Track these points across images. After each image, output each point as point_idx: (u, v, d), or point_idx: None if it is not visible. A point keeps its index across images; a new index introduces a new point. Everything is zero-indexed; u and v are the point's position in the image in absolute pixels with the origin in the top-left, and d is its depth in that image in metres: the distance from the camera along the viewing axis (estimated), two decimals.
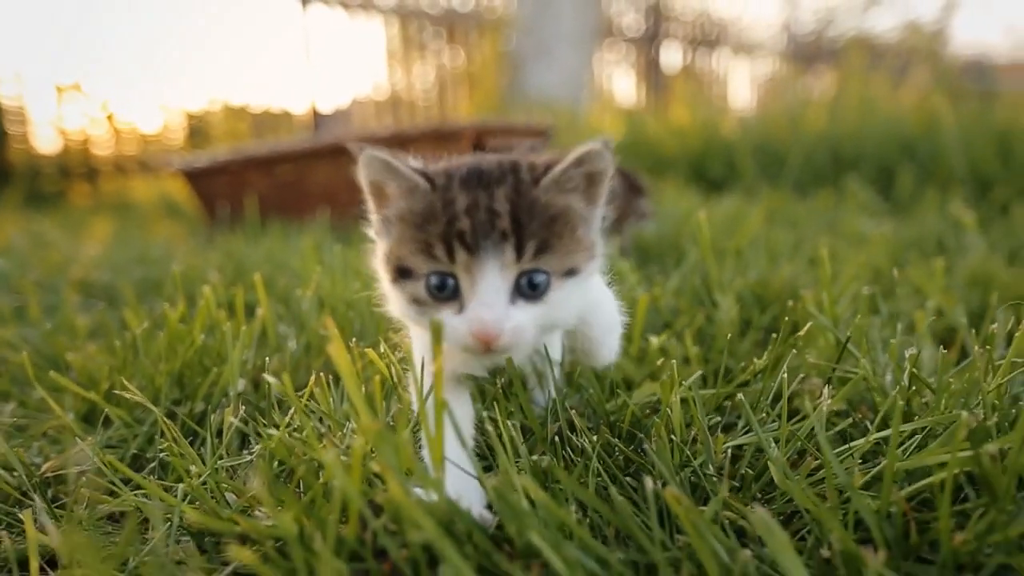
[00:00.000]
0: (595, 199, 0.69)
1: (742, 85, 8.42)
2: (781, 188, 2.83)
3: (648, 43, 7.71)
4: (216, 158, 3.03)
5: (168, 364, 0.96)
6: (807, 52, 8.33)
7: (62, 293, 1.46)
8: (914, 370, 0.78)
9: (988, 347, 0.77)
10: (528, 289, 0.63)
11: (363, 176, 0.68)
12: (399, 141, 2.77)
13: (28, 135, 6.72)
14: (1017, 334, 0.74)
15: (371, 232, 0.72)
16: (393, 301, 0.69)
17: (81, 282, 1.58)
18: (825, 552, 0.59)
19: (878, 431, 0.72)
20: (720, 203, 2.42)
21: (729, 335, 1.00)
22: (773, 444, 0.71)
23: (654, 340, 0.99)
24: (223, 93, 7.36)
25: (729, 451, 0.74)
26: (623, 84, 7.84)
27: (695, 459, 0.73)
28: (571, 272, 0.66)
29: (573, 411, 0.78)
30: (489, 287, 0.62)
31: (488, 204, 0.62)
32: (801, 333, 0.86)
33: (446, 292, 0.63)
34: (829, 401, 0.74)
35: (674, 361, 0.78)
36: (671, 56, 7.89)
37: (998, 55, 7.88)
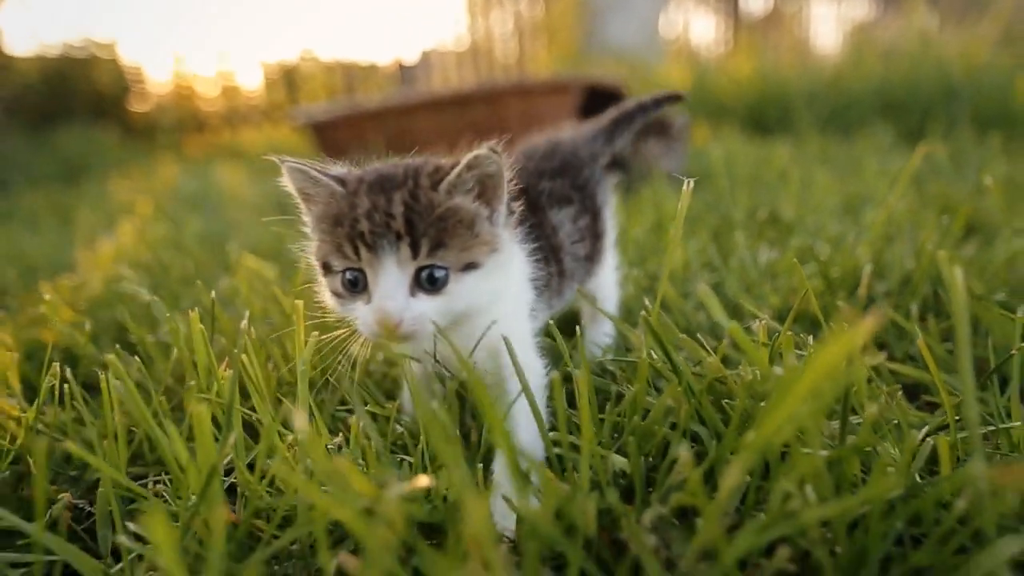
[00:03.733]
0: (492, 198, 0.73)
1: (828, 29, 8.45)
2: (830, 132, 3.24)
3: None
4: (334, 111, 3.68)
5: None
6: None
7: (264, 211, 2.12)
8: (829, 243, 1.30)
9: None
10: (428, 283, 0.69)
11: (290, 185, 0.75)
12: (485, 96, 3.34)
13: (146, 92, 7.64)
14: (883, 213, 1.26)
15: (307, 230, 0.78)
16: (324, 293, 0.76)
17: (260, 205, 2.25)
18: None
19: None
20: (764, 145, 2.88)
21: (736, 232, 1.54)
22: (730, 280, 1.26)
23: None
24: (313, 48, 8.01)
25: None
26: (703, 30, 8.06)
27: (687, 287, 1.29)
28: (471, 266, 0.71)
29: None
30: (389, 281, 0.68)
31: (385, 207, 0.69)
32: (762, 219, 1.39)
33: (358, 287, 0.70)
34: (770, 254, 1.28)
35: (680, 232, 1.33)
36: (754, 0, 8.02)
37: None
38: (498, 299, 0.75)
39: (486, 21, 7.73)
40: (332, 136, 3.54)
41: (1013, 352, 0.72)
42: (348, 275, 0.71)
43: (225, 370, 0.72)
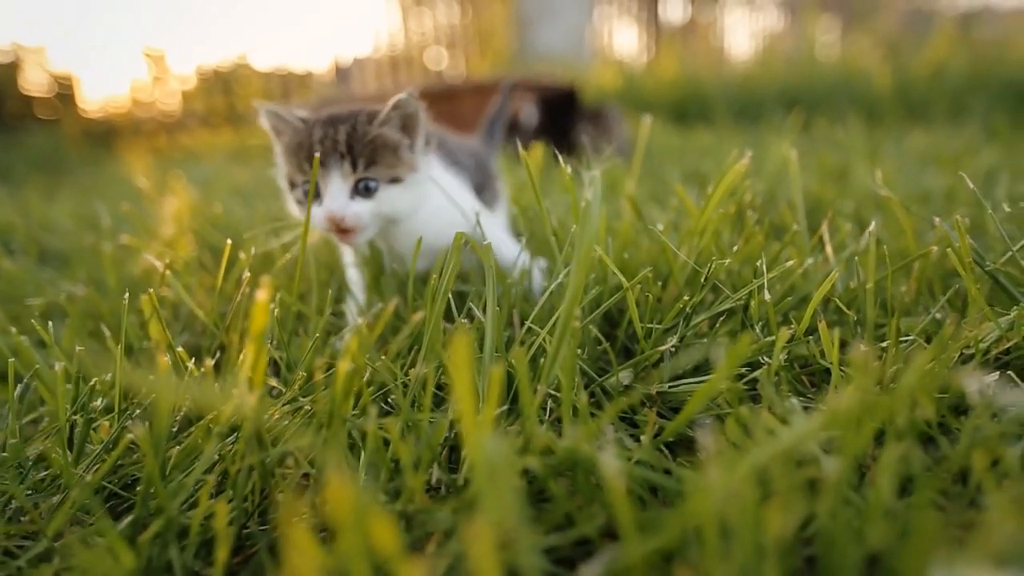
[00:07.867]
0: (411, 131, 0.97)
1: (741, 37, 9.31)
2: (742, 123, 3.89)
3: None
4: (302, 106, 4.08)
5: None
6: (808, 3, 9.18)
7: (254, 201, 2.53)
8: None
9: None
10: (364, 191, 0.93)
11: (265, 123, 0.98)
12: (444, 93, 3.84)
13: (77, 98, 7.70)
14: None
15: (277, 159, 1.01)
16: (288, 204, 1.01)
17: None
18: None
19: None
20: (688, 134, 3.49)
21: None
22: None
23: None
24: (248, 54, 8.26)
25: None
26: (625, 38, 8.77)
27: None
28: (395, 180, 0.94)
29: None
30: (335, 189, 0.92)
31: (333, 136, 0.92)
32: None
33: (314, 196, 0.93)
34: (697, 194, 1.82)
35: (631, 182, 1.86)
36: (672, 9, 8.80)
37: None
38: (419, 206, 1.00)
39: (420, 26, 8.19)
40: None
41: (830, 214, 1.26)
42: (306, 186, 0.94)
43: None
